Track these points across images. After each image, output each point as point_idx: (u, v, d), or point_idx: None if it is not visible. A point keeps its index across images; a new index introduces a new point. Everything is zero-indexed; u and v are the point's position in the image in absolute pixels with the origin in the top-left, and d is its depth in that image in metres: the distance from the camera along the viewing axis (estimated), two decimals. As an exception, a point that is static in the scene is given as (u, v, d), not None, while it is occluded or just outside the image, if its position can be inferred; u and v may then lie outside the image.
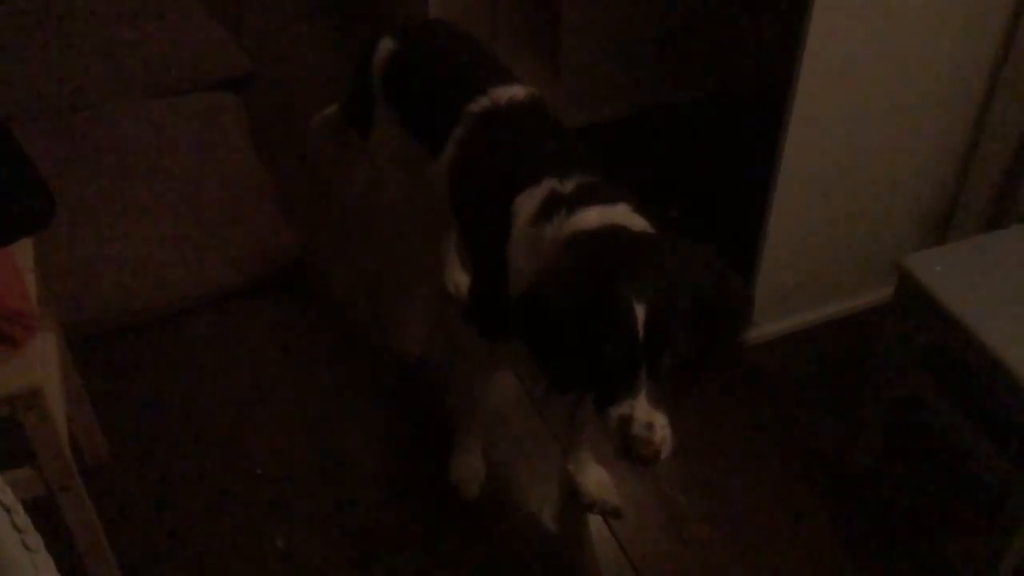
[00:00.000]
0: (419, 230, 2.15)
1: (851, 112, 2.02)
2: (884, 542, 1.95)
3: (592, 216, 1.48)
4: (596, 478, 2.01)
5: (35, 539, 1.16)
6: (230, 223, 2.56)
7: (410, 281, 2.25)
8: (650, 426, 1.34)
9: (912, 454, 2.08)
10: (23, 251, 1.62)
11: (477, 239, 1.82)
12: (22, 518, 1.13)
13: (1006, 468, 1.70)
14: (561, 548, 1.97)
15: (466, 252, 1.96)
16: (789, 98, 1.93)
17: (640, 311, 1.32)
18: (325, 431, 2.15)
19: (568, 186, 1.55)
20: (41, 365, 1.48)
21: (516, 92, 1.78)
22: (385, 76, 1.95)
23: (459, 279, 2.39)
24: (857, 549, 1.94)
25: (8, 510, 1.12)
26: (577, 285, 1.37)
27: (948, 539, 1.95)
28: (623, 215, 1.50)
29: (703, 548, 1.94)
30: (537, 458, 2.10)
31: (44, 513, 1.42)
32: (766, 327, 2.33)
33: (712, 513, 2.00)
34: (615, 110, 3.01)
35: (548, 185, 1.57)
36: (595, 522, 1.99)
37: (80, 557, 1.69)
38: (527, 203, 1.58)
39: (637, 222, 1.50)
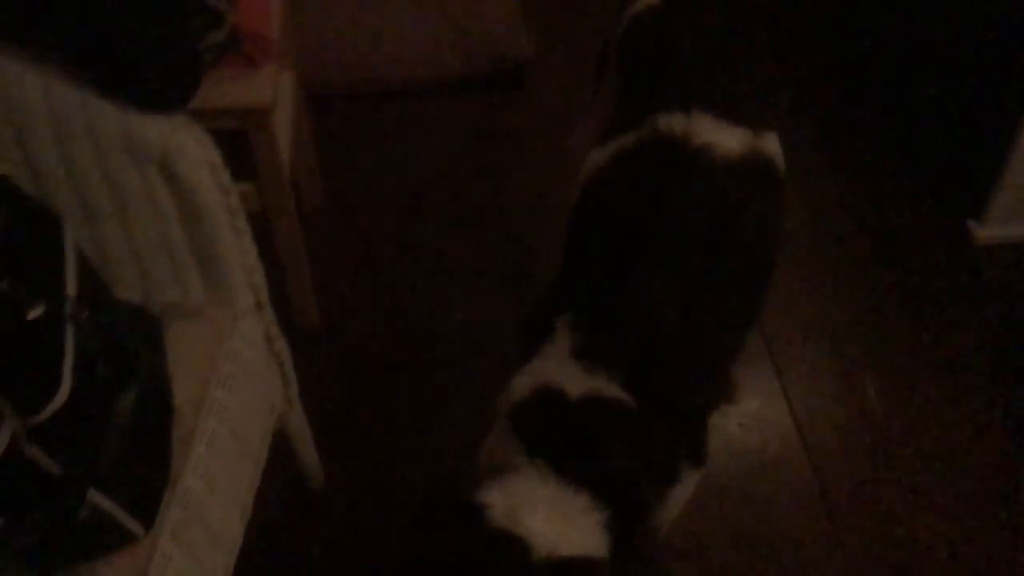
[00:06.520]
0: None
1: None
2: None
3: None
4: None
5: (243, 224, 1.29)
6: (470, 15, 2.60)
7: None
8: None
9: None
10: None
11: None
12: (234, 200, 1.26)
13: None
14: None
15: None
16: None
17: None
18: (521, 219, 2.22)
19: (576, 389, 1.18)
20: (273, 90, 1.58)
21: (681, 126, 1.26)
22: (624, 36, 1.55)
23: None
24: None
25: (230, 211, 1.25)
26: None
27: None
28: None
29: (875, 423, 1.90)
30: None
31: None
32: (1001, 229, 2.17)
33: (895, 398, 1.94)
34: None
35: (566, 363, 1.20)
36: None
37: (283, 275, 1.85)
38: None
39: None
